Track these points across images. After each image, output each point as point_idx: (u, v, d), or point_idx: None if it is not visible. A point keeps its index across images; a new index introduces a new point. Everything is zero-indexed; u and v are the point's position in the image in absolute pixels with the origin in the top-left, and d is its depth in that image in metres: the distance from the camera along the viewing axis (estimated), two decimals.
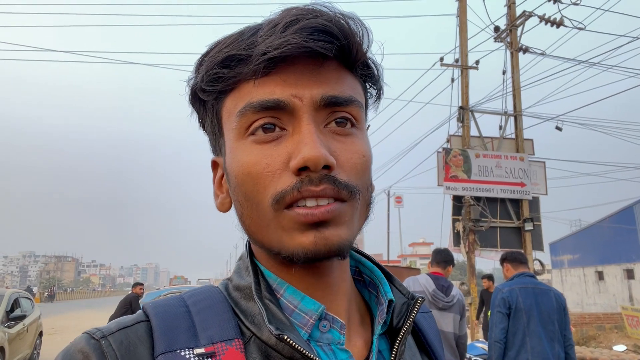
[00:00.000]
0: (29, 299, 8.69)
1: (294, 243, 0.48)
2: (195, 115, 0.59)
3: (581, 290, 26.99)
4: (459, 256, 10.56)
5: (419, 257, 70.19)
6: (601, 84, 11.80)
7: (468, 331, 9.44)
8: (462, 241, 10.34)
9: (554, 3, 10.98)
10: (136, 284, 9.64)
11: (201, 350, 0.47)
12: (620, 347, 5.08)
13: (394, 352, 0.53)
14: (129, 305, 8.52)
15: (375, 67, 0.56)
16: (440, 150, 10.60)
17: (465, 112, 10.88)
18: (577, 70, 11.45)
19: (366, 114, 0.59)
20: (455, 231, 10.45)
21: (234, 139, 0.52)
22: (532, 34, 11.64)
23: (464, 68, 11.12)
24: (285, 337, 0.46)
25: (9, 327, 7.10)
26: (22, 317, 7.61)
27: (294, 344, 0.46)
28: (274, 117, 0.50)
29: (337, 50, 0.49)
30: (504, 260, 3.68)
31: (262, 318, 0.48)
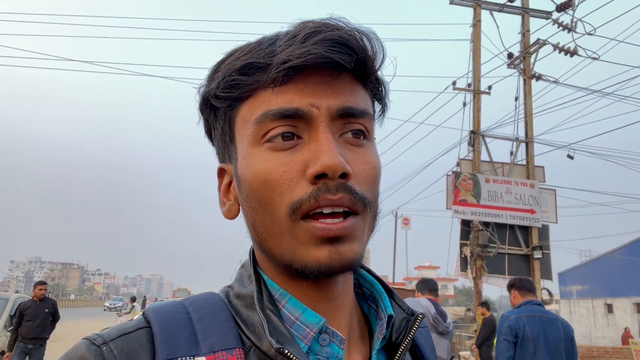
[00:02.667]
0: None
1: (309, 256, 0.48)
2: (202, 123, 0.60)
3: (590, 323, 26.41)
4: (466, 281, 10.40)
5: None
6: (614, 114, 11.75)
7: (473, 358, 9.28)
8: (469, 266, 10.21)
9: (569, 32, 11.03)
10: (37, 284, 7.13)
11: (202, 359, 0.47)
12: None
13: None
14: (20, 317, 6.65)
15: (383, 83, 0.58)
16: (450, 173, 10.56)
17: (476, 136, 10.87)
18: (590, 99, 11.41)
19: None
20: (463, 256, 10.34)
21: (249, 145, 0.52)
22: (546, 62, 11.68)
23: (476, 93, 11.15)
24: (286, 352, 0.46)
25: (10, 330, 7.08)
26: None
27: (294, 358, 0.46)
28: (291, 126, 0.50)
29: (354, 64, 0.50)
30: (511, 286, 3.62)
31: (263, 329, 0.48)
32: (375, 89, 0.57)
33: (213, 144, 0.60)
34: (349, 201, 0.48)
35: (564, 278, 29.15)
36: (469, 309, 10.54)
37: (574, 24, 10.88)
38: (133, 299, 18.47)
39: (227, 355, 0.47)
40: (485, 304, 9.58)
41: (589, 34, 10.78)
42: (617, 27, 10.41)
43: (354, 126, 0.52)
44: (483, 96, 11.26)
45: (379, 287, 0.60)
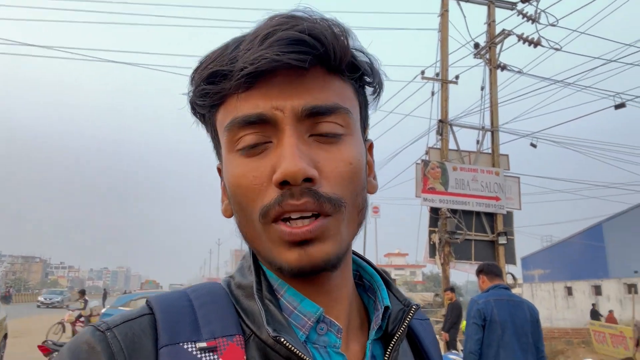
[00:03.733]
0: None
1: (281, 258, 0.49)
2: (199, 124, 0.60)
3: (550, 305, 27.55)
4: (434, 268, 10.64)
5: (394, 268, 70.60)
6: (575, 103, 12.16)
7: (442, 343, 9.52)
8: (437, 253, 10.44)
9: (532, 23, 11.30)
10: None
11: (203, 345, 0.48)
12: None
13: (386, 357, 0.54)
14: None
15: (370, 63, 0.56)
16: (419, 162, 10.73)
17: (444, 125, 11.05)
18: (552, 89, 11.80)
19: (366, 112, 0.59)
20: (431, 243, 10.56)
21: (226, 151, 0.53)
22: (511, 52, 11.93)
23: (444, 82, 11.31)
24: (282, 340, 0.47)
25: None
26: None
27: (290, 346, 0.47)
28: (258, 131, 0.50)
29: (317, 59, 0.49)
30: (480, 272, 3.72)
31: (262, 318, 0.49)
32: (357, 74, 0.55)
33: None
34: (313, 205, 0.48)
35: (526, 263, 30.24)
36: (437, 295, 10.81)
37: (537, 15, 11.15)
38: (82, 292, 15.15)
39: (228, 342, 0.49)
40: (452, 289, 9.84)
41: (552, 25, 11.07)
42: (580, 19, 10.73)
43: (325, 125, 0.51)
44: (451, 85, 11.43)
45: (378, 279, 0.61)
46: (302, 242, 0.48)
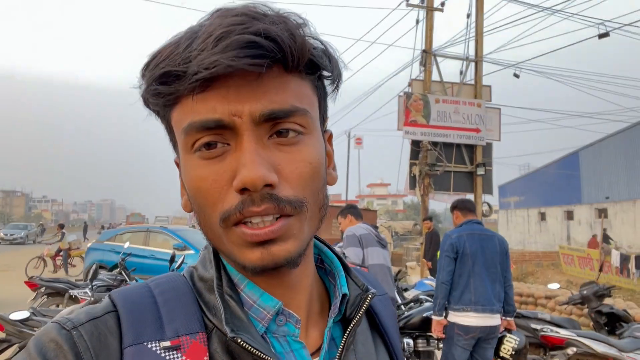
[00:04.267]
0: None
1: (243, 258, 0.50)
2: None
3: (524, 230, 28.85)
4: (414, 198, 10.90)
5: (377, 198, 72.11)
6: (560, 32, 11.98)
7: (418, 268, 10.02)
8: (417, 184, 10.68)
9: None
10: None
11: (167, 344, 0.49)
12: (554, 285, 5.57)
13: (342, 342, 0.56)
14: None
15: (328, 54, 0.54)
16: (402, 94, 10.63)
17: (428, 55, 10.85)
18: (538, 17, 11.53)
19: (325, 104, 0.59)
20: (412, 175, 10.75)
21: (183, 152, 0.53)
22: None
23: (429, 9, 10.96)
24: (239, 341, 0.48)
25: None
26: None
27: (247, 346, 0.48)
28: (216, 135, 0.50)
29: (274, 61, 0.48)
30: (454, 208, 3.88)
31: (221, 316, 0.50)
32: (315, 70, 0.54)
33: None
34: (274, 210, 0.48)
35: (503, 190, 31.18)
36: (415, 224, 11.22)
37: None
38: (61, 226, 16.13)
39: (191, 339, 0.50)
40: (431, 219, 10.19)
41: None
42: None
43: (284, 126, 0.50)
44: (436, 14, 11.09)
45: (337, 265, 0.62)
46: (264, 242, 0.49)
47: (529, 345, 3.86)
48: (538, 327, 4.27)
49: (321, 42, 0.54)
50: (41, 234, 37.81)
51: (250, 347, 0.49)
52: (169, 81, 0.49)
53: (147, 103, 0.54)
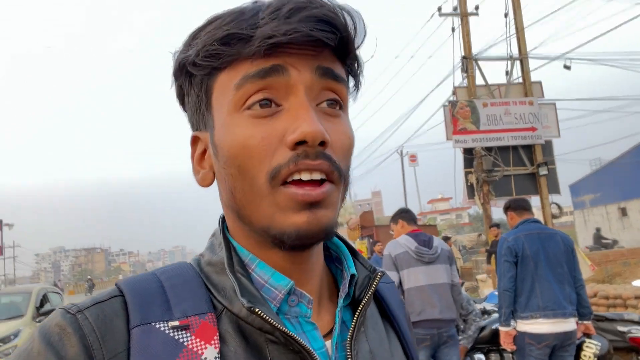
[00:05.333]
0: (58, 293, 8.88)
1: (288, 222, 0.49)
2: (175, 87, 0.59)
3: (605, 228, 26.75)
4: (475, 208, 10.50)
5: (439, 213, 70.06)
6: (607, 15, 11.32)
7: (490, 280, 9.47)
8: (476, 193, 10.28)
9: None
10: None
11: (175, 323, 0.48)
12: (639, 282, 5.06)
13: (353, 322, 0.55)
14: None
15: (358, 60, 0.58)
16: (447, 103, 10.41)
17: (468, 61, 10.61)
18: (581, 3, 10.98)
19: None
20: (469, 184, 10.38)
21: (228, 112, 0.52)
22: None
23: (463, 16, 10.78)
24: (257, 310, 0.48)
25: (40, 322, 7.29)
26: (52, 312, 7.76)
27: (264, 316, 0.48)
28: (270, 93, 0.50)
29: (337, 42, 0.50)
30: (507, 208, 3.64)
31: (234, 292, 0.50)
32: (352, 66, 0.58)
33: (185, 110, 0.60)
34: (327, 167, 0.49)
35: (575, 189, 29.30)
36: (480, 234, 10.71)
37: None
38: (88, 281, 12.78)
39: (200, 319, 0.49)
40: (498, 225, 9.69)
41: None
42: None
43: (331, 95, 0.53)
44: (472, 18, 10.89)
45: (344, 249, 0.62)
46: (312, 205, 0.49)
47: (614, 350, 3.49)
48: (625, 329, 3.86)
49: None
50: (90, 290, 36.32)
51: (267, 317, 0.48)
52: (232, 43, 0.50)
53: (187, 67, 0.54)
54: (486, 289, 10.63)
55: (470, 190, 10.40)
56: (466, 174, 10.42)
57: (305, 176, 0.49)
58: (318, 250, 0.58)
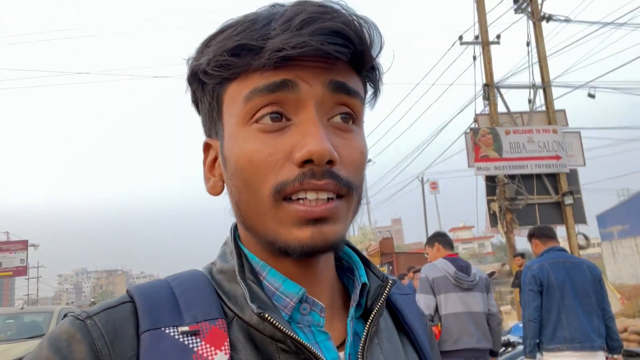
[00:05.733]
0: None
1: (292, 237, 0.49)
2: (189, 92, 0.59)
3: (635, 261, 25.80)
4: (498, 237, 10.28)
5: (461, 242, 68.76)
6: (631, 44, 11.22)
7: (514, 312, 9.18)
8: (499, 221, 10.09)
9: None
10: None
11: (185, 329, 0.48)
12: None
13: (365, 332, 0.54)
14: None
15: (377, 68, 0.57)
16: (468, 130, 10.36)
17: (490, 89, 10.59)
18: (604, 32, 10.95)
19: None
20: (491, 212, 10.21)
21: (236, 124, 0.51)
22: (554, 0, 11.18)
23: (485, 44, 10.81)
24: (267, 316, 0.47)
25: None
26: None
27: (275, 322, 0.47)
28: (280, 107, 0.50)
29: (351, 55, 0.49)
30: (531, 236, 3.56)
31: (245, 299, 0.49)
32: (370, 75, 0.57)
33: (199, 114, 0.60)
34: (334, 187, 0.48)
35: (603, 220, 28.47)
36: (504, 264, 10.44)
37: None
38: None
39: (211, 325, 0.49)
40: (523, 255, 9.44)
41: None
42: None
43: (343, 109, 0.52)
44: (493, 46, 10.91)
45: (355, 258, 0.61)
46: (316, 220, 0.48)
47: None
48: None
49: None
50: None
51: (277, 324, 0.47)
52: (242, 54, 0.49)
53: (200, 75, 0.54)
54: (510, 320, 10.31)
55: (493, 219, 10.21)
56: (488, 201, 10.26)
57: (310, 195, 0.48)
58: (328, 257, 0.57)
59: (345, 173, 0.50)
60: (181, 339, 0.47)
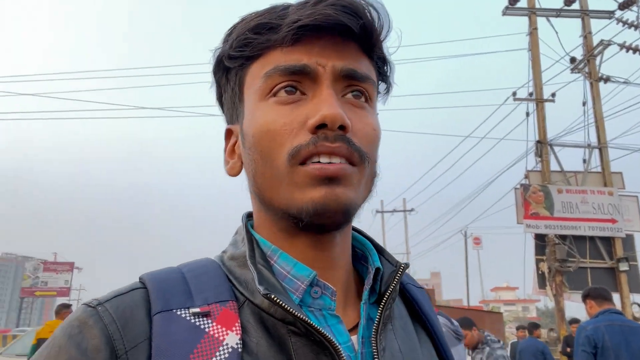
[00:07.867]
0: None
1: (306, 198, 0.50)
2: (214, 89, 0.63)
3: None
4: (550, 302, 9.81)
5: (503, 303, 65.20)
6: None
7: None
8: (547, 283, 9.66)
9: (635, 30, 10.46)
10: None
11: (197, 310, 0.48)
12: None
13: (378, 316, 0.54)
14: None
15: (389, 62, 0.60)
16: (518, 186, 10.18)
17: (543, 146, 10.44)
18: None
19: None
20: (540, 272, 9.81)
21: (256, 100, 0.54)
22: (613, 62, 11.07)
23: (539, 101, 10.77)
24: (273, 297, 0.47)
25: None
26: None
27: (284, 304, 0.47)
28: (296, 81, 0.53)
29: (360, 30, 0.52)
30: (586, 296, 3.45)
31: (255, 283, 0.49)
32: (381, 67, 0.60)
33: (223, 109, 0.64)
34: (346, 150, 0.50)
35: None
36: (551, 329, 9.89)
37: (639, 21, 10.31)
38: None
39: (222, 307, 0.49)
40: (578, 321, 8.91)
41: None
42: None
43: (356, 87, 0.54)
44: (547, 104, 10.84)
45: (369, 246, 0.62)
46: (330, 180, 0.49)
47: None
48: None
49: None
50: None
51: (286, 306, 0.47)
52: (263, 31, 0.53)
53: (224, 61, 0.57)
54: None
55: (541, 280, 9.79)
56: (537, 261, 9.88)
57: (324, 159, 0.49)
58: (343, 239, 0.57)
59: (358, 142, 0.52)
60: (192, 320, 0.47)
